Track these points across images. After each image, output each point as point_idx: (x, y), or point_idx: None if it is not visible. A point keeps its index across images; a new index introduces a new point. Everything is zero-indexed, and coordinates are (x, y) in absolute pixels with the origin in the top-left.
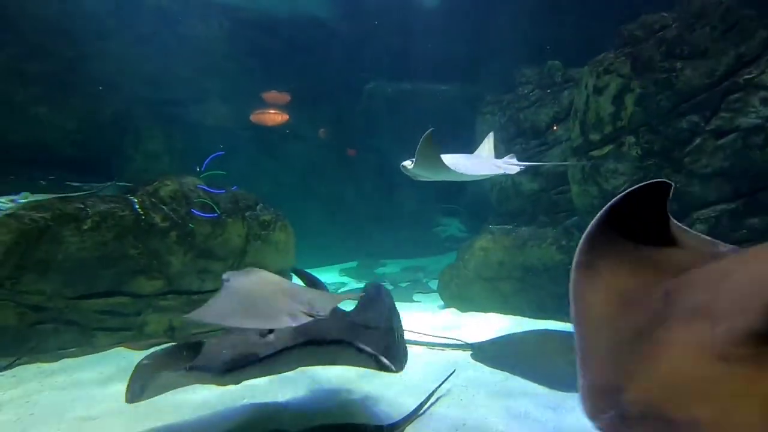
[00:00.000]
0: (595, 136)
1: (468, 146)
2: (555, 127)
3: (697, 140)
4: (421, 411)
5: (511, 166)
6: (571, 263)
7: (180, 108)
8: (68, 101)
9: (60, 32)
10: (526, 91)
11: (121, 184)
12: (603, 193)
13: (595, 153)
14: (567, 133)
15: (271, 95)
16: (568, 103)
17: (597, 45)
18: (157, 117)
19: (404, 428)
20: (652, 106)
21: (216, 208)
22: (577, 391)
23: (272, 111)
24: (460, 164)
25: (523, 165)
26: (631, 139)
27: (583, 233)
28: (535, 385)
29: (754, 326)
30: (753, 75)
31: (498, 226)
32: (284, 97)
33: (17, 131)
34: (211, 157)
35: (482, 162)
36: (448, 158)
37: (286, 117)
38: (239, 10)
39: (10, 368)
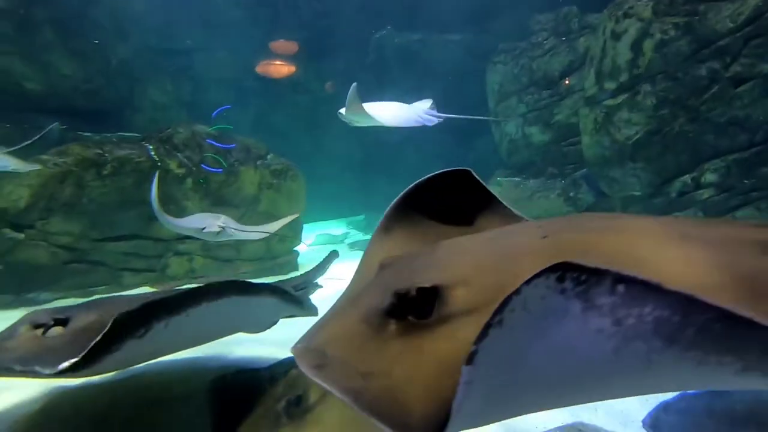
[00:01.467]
0: (610, 85)
1: (481, 99)
2: (567, 81)
3: (715, 88)
4: None
5: (431, 117)
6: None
7: (187, 58)
8: (76, 48)
9: None
10: (540, 39)
11: (128, 134)
12: (615, 143)
13: (609, 102)
14: (581, 83)
15: (279, 44)
16: (583, 51)
17: None
18: (165, 67)
19: None
20: (672, 52)
21: (223, 162)
22: None
23: (278, 62)
24: (381, 113)
25: (442, 116)
26: (647, 87)
27: (591, 184)
28: None
29: (386, 305)
30: None
31: (506, 178)
32: (292, 46)
33: (32, 79)
34: (218, 110)
35: (405, 112)
36: (374, 106)
37: (292, 68)
38: None
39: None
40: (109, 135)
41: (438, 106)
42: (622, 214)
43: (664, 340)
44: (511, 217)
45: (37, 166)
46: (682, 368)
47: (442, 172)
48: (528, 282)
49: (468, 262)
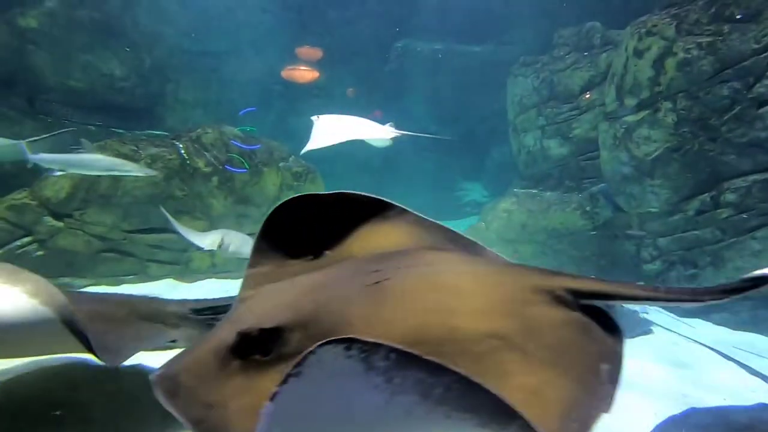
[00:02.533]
0: (630, 101)
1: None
2: (587, 95)
3: (737, 108)
4: None
5: (390, 132)
6: (594, 229)
7: (216, 60)
8: (114, 49)
9: None
10: (562, 53)
11: (157, 132)
12: (634, 159)
13: (629, 118)
14: (601, 98)
15: (304, 50)
16: (605, 67)
17: (644, 5)
18: (195, 68)
19: None
20: (694, 71)
21: (245, 163)
22: None
23: (303, 68)
24: (343, 126)
25: (405, 133)
26: (668, 105)
27: (608, 199)
28: None
29: (231, 342)
30: None
31: (523, 190)
32: (316, 53)
33: (70, 77)
34: (243, 111)
35: (365, 127)
36: (332, 119)
37: (316, 74)
38: None
39: (81, 288)
40: (139, 132)
41: (456, 115)
42: (454, 256)
43: (420, 396)
44: (388, 233)
45: (154, 172)
46: (435, 419)
47: (300, 197)
48: (322, 345)
49: (309, 304)
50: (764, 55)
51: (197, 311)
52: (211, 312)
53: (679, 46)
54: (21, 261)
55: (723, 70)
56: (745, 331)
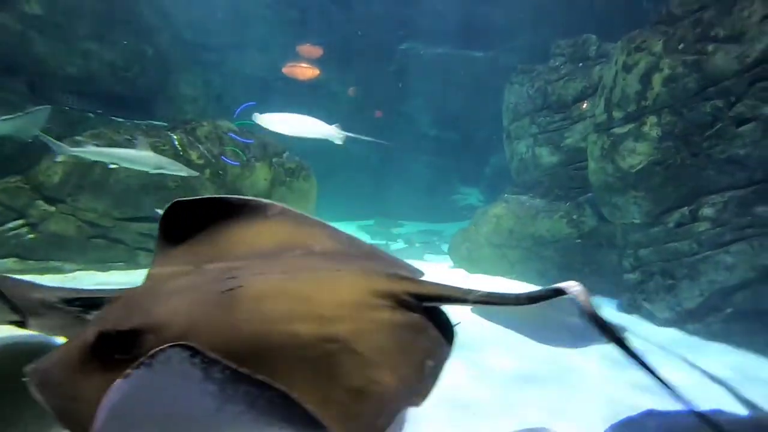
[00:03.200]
0: (618, 114)
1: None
2: (584, 105)
3: (718, 125)
4: None
5: (336, 133)
6: (579, 238)
7: (218, 54)
8: (117, 38)
9: None
10: (557, 63)
11: (157, 123)
12: (619, 171)
13: (616, 130)
14: (592, 110)
15: (305, 48)
16: (597, 79)
17: (641, 19)
18: (197, 61)
19: None
20: (679, 87)
21: (243, 155)
22: (556, 345)
23: (304, 65)
24: (285, 122)
25: (349, 135)
26: (653, 119)
27: (594, 209)
28: (520, 335)
29: (92, 341)
30: None
31: (513, 196)
32: (317, 51)
33: (72, 64)
34: (242, 106)
35: (311, 125)
36: (282, 116)
37: (317, 72)
38: None
39: (71, 272)
40: (139, 122)
41: (456, 119)
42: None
43: (247, 405)
44: (263, 235)
45: (195, 173)
46: (260, 427)
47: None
48: (164, 349)
49: (165, 309)
50: (746, 75)
51: (67, 301)
52: (80, 303)
53: (665, 63)
54: (12, 243)
55: (706, 88)
56: (715, 342)
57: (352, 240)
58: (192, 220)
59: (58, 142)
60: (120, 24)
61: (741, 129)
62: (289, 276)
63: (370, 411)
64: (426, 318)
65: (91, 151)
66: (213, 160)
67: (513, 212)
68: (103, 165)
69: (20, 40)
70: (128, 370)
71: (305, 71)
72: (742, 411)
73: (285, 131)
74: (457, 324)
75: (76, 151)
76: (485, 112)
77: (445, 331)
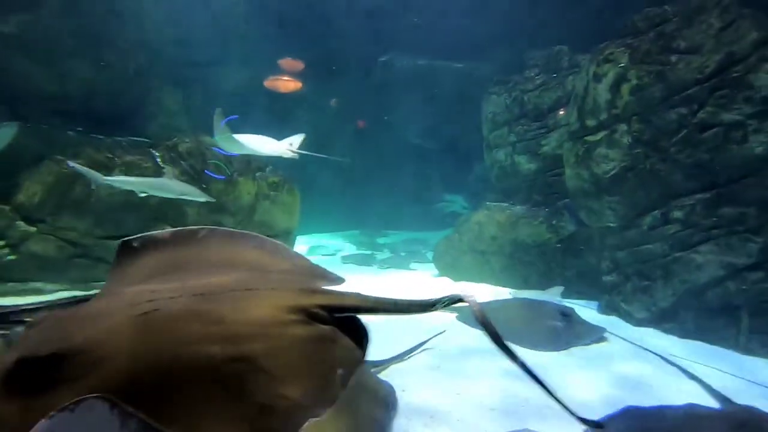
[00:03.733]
0: (591, 122)
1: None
2: (562, 111)
3: (683, 132)
4: (409, 355)
5: (288, 151)
6: (559, 242)
7: (200, 69)
8: (98, 56)
9: None
10: (532, 74)
11: (139, 139)
12: (593, 176)
13: (589, 138)
14: (566, 118)
15: (286, 62)
16: (571, 88)
17: (610, 31)
18: (179, 77)
19: (390, 365)
20: (646, 96)
21: (227, 170)
22: (537, 349)
23: (285, 78)
24: (241, 139)
25: (300, 152)
26: (623, 126)
27: (572, 214)
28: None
29: (11, 366)
30: (740, 73)
31: (495, 203)
32: (298, 65)
33: (53, 82)
34: (225, 120)
35: (262, 144)
36: (239, 137)
37: (299, 84)
38: None
39: (53, 293)
40: (120, 138)
41: (438, 128)
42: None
43: None
44: (189, 256)
45: (213, 199)
46: None
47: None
48: (87, 399)
49: (82, 334)
50: (707, 84)
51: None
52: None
53: (632, 73)
54: None
55: (671, 97)
56: (690, 339)
57: (276, 253)
58: (131, 254)
59: (92, 172)
60: (101, 42)
61: (704, 135)
62: (204, 297)
63: (277, 425)
64: (338, 327)
65: (121, 180)
66: (196, 177)
67: (494, 219)
68: (84, 184)
69: None
70: (52, 413)
71: (287, 84)
72: (714, 404)
73: (237, 150)
74: (443, 332)
75: (110, 180)
76: (467, 121)
77: (359, 337)
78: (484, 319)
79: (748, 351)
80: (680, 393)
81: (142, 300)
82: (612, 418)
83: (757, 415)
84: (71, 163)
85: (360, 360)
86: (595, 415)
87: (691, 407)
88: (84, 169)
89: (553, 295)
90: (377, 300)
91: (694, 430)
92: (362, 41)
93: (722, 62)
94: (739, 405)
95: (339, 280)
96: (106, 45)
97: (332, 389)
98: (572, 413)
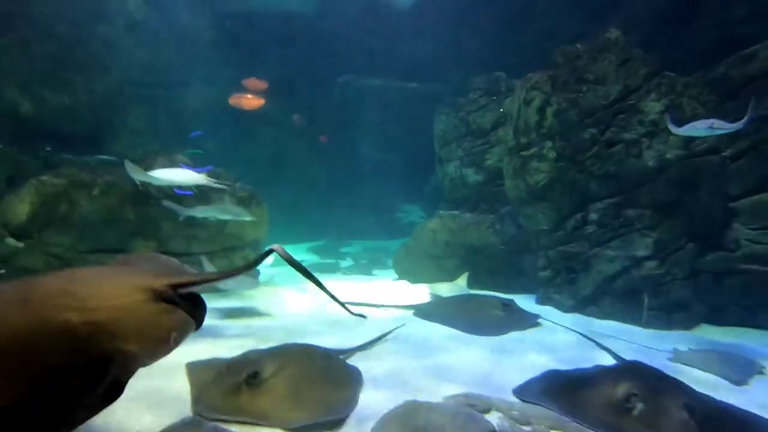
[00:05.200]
0: (524, 140)
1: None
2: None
3: (595, 148)
4: (372, 345)
5: (205, 181)
6: (503, 245)
7: (166, 90)
8: (66, 80)
9: (62, 15)
10: (475, 96)
11: (106, 157)
12: (528, 187)
13: (523, 153)
14: (505, 136)
15: (251, 82)
16: (508, 110)
17: (540, 60)
18: (144, 98)
19: (355, 353)
20: (565, 118)
21: (191, 187)
22: (482, 335)
23: (249, 96)
24: (155, 173)
25: (214, 182)
26: (549, 144)
27: (513, 219)
28: (455, 330)
29: None
30: (634, 101)
31: (447, 212)
32: (262, 84)
33: (26, 104)
34: (192, 134)
35: (179, 175)
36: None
37: (262, 101)
38: (223, 1)
39: None
40: (88, 158)
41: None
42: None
43: None
44: None
45: (251, 217)
46: None
47: None
48: None
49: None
50: (610, 109)
51: None
52: None
53: (554, 99)
54: None
55: (584, 119)
56: (606, 320)
57: (153, 259)
58: None
59: (180, 207)
60: (72, 66)
61: (611, 150)
62: (73, 280)
63: (118, 370)
64: (181, 303)
65: (199, 209)
66: (170, 192)
67: (447, 226)
68: (69, 202)
69: None
70: None
71: (251, 101)
72: (611, 361)
73: (155, 182)
74: (402, 325)
75: (190, 211)
76: (422, 137)
77: (197, 311)
78: (290, 258)
79: (648, 325)
80: (594, 360)
81: (30, 283)
82: (536, 378)
83: (640, 365)
84: (165, 203)
85: (191, 327)
86: (525, 379)
87: (597, 367)
88: (173, 205)
89: (460, 282)
90: (207, 273)
91: (593, 377)
92: (322, 63)
93: (621, 92)
94: (629, 360)
95: (191, 270)
96: (77, 69)
97: (164, 347)
98: (348, 310)
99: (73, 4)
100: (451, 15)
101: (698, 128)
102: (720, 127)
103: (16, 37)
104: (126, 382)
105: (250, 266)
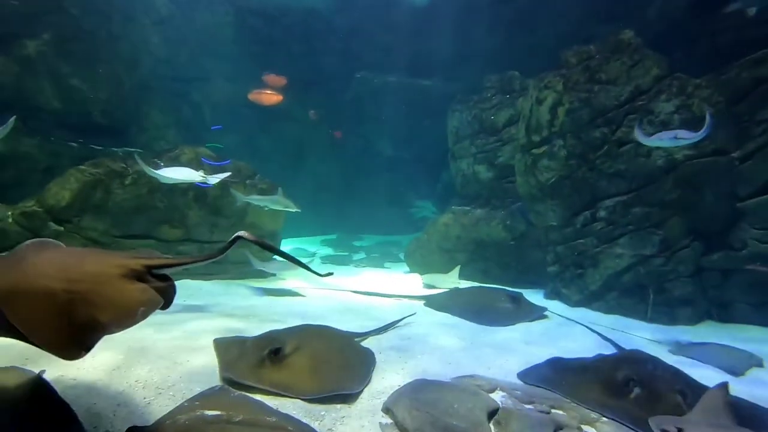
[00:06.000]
0: (535, 138)
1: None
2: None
3: (606, 147)
4: (385, 330)
5: (200, 178)
6: (513, 240)
7: (188, 85)
8: (98, 75)
9: (93, 13)
10: (489, 95)
11: (132, 150)
12: (539, 183)
13: (535, 151)
14: (517, 134)
15: (270, 77)
16: (520, 109)
17: (553, 60)
18: (169, 92)
19: (369, 336)
20: (576, 117)
21: (206, 180)
22: (490, 325)
23: (268, 91)
24: (164, 171)
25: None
26: (560, 142)
27: (523, 215)
28: (464, 320)
29: None
30: (644, 102)
31: (459, 207)
32: (281, 80)
33: (58, 99)
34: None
35: (184, 172)
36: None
37: (280, 97)
38: None
39: None
40: (115, 149)
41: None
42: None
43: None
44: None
45: (297, 208)
46: None
47: None
48: None
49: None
50: (621, 109)
51: None
52: None
53: (566, 99)
54: None
55: (596, 119)
56: (612, 314)
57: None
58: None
59: (239, 195)
60: (99, 63)
61: (621, 149)
62: (67, 255)
63: (86, 334)
64: (153, 281)
65: (253, 198)
66: (195, 184)
67: (458, 221)
68: (105, 190)
69: (15, 80)
70: None
71: (270, 97)
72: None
73: (161, 179)
74: (414, 314)
75: (247, 198)
76: (435, 133)
77: (167, 291)
78: (258, 240)
79: (652, 320)
80: (596, 351)
81: (27, 254)
82: (540, 364)
83: (639, 353)
84: (238, 196)
85: (159, 304)
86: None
87: (598, 356)
88: (239, 195)
89: (453, 274)
90: (182, 256)
91: (593, 364)
92: (339, 59)
93: (632, 92)
94: (629, 349)
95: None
96: (103, 65)
97: (132, 320)
98: (314, 272)
99: (104, 1)
100: (466, 13)
101: (663, 139)
102: (684, 137)
103: (51, 36)
104: (92, 346)
105: (219, 253)
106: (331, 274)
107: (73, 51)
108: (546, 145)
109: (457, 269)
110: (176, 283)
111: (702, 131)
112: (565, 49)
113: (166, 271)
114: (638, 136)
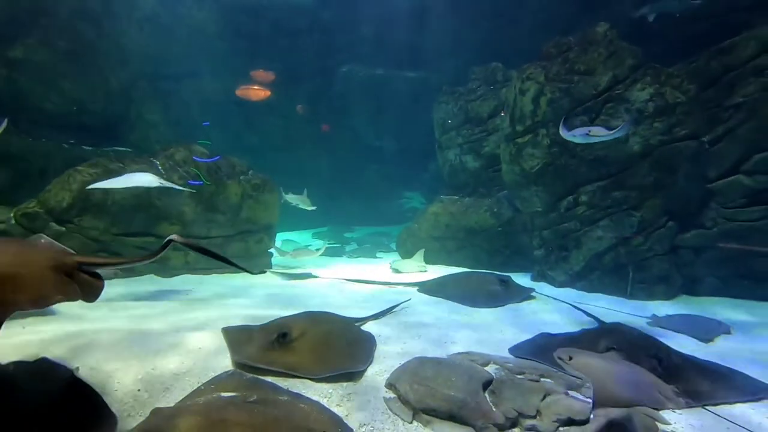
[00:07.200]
0: (520, 127)
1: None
2: (503, 113)
3: None
4: (382, 315)
5: (156, 181)
6: (500, 226)
7: (176, 83)
8: (86, 75)
9: (81, 13)
10: (474, 86)
11: (122, 149)
12: (523, 171)
13: (519, 140)
14: (501, 123)
15: (258, 73)
16: (504, 99)
17: (535, 51)
18: (157, 90)
19: (368, 321)
20: (558, 107)
21: (202, 177)
22: (481, 307)
23: (256, 87)
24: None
25: (166, 184)
26: (543, 131)
27: (510, 202)
28: (456, 303)
29: None
30: (621, 91)
31: (447, 196)
32: (269, 76)
33: (48, 100)
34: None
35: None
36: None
37: (268, 93)
38: None
39: None
40: (106, 149)
41: (396, 131)
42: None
43: None
44: None
45: (313, 207)
46: None
47: None
48: None
49: None
50: (599, 98)
51: None
52: None
53: (547, 89)
54: None
55: (576, 107)
56: (595, 293)
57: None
58: None
59: (283, 194)
60: (88, 63)
61: None
62: (6, 244)
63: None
64: (81, 277)
65: (291, 197)
66: (187, 182)
67: (447, 210)
68: (103, 190)
69: (5, 81)
70: None
71: (258, 92)
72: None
73: (109, 187)
74: (409, 300)
75: (286, 197)
76: (422, 125)
77: (94, 286)
78: (189, 243)
79: (632, 297)
80: (581, 326)
81: None
82: (529, 339)
83: (620, 325)
84: (285, 196)
85: (77, 297)
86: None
87: (583, 330)
88: (289, 196)
89: (417, 258)
90: (112, 256)
91: (578, 337)
92: (325, 53)
93: (609, 82)
94: (611, 322)
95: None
96: (93, 65)
97: (47, 302)
98: (246, 269)
99: (91, 2)
100: (449, 6)
101: (576, 135)
102: (596, 134)
103: (41, 36)
104: (3, 319)
105: (152, 256)
106: (264, 272)
107: (61, 52)
108: (530, 134)
109: (421, 252)
110: (177, 277)
111: (615, 131)
112: (546, 41)
113: (98, 270)
114: (561, 130)
